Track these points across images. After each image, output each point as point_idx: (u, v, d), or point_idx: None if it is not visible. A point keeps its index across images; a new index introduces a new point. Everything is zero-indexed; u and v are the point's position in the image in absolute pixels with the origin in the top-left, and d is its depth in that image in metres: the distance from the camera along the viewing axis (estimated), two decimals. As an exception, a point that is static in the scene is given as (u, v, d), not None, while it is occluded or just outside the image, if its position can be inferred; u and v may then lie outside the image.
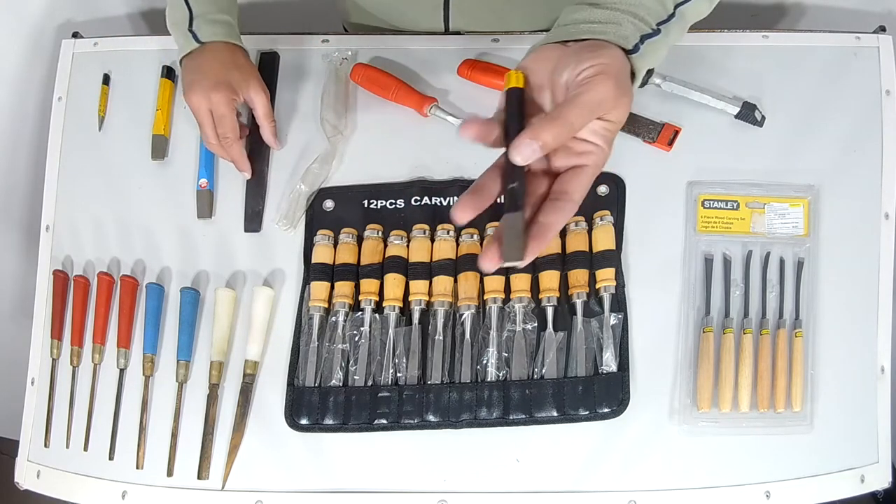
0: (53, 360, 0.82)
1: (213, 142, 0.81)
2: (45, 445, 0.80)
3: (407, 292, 0.78)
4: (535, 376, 0.74)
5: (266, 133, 0.84)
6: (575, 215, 0.76)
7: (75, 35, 0.94)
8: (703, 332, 0.75)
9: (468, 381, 0.74)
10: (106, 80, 0.90)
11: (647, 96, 0.83)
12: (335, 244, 0.81)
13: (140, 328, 0.81)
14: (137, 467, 0.78)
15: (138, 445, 0.78)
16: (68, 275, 0.84)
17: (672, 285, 0.77)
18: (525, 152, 0.50)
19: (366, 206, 0.82)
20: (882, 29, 0.85)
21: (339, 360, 0.76)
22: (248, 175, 0.84)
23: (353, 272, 0.79)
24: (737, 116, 0.81)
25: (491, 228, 0.78)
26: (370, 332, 0.77)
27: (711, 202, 0.79)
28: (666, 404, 0.74)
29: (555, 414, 0.73)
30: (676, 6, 0.62)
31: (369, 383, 0.75)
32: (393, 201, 0.82)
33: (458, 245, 0.79)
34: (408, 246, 0.79)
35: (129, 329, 0.81)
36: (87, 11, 1.02)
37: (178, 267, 0.83)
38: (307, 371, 0.76)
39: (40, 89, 0.99)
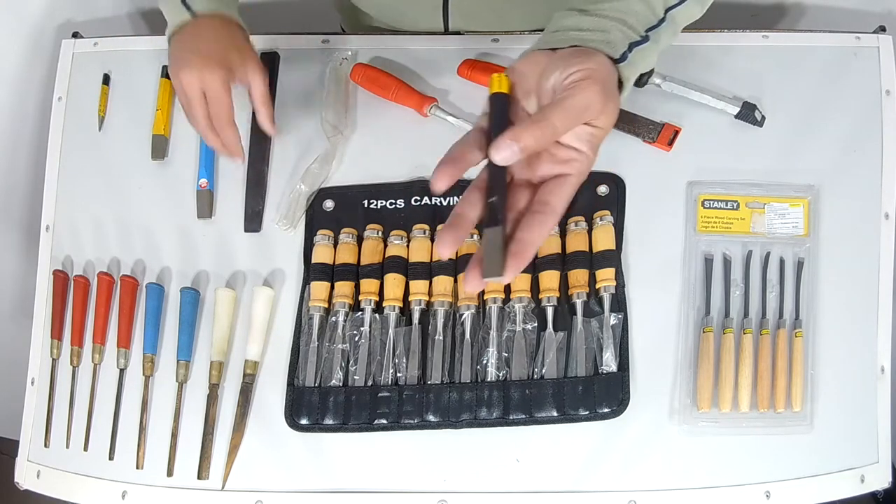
0: (53, 360, 0.82)
1: (204, 123, 0.73)
2: (45, 445, 0.80)
3: (407, 292, 0.78)
4: (535, 376, 0.74)
5: (262, 118, 0.77)
6: (575, 215, 0.78)
7: (75, 35, 0.94)
8: (703, 332, 0.75)
9: (468, 381, 0.74)
10: (106, 80, 0.90)
11: (647, 96, 0.83)
12: (335, 244, 0.81)
13: (140, 328, 0.81)
14: (137, 467, 0.78)
15: (138, 445, 0.78)
16: (68, 275, 0.84)
17: (672, 285, 0.77)
18: (504, 153, 0.49)
19: (366, 206, 0.82)
20: (882, 29, 0.85)
21: (339, 360, 0.76)
22: (240, 161, 0.77)
23: (353, 272, 0.79)
24: (737, 116, 0.81)
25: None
26: (370, 332, 0.77)
27: (711, 202, 0.79)
28: (666, 404, 0.74)
29: (555, 414, 0.73)
30: (667, 10, 0.61)
31: (369, 383, 0.75)
32: (393, 201, 0.82)
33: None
34: (408, 246, 0.79)
35: (129, 329, 0.81)
36: (87, 11, 1.02)
37: (178, 267, 0.83)
38: (307, 371, 0.76)
39: (40, 89, 0.99)
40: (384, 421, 0.74)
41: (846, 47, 0.84)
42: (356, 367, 0.76)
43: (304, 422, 0.75)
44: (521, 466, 0.74)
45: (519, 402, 0.73)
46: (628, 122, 0.82)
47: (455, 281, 0.77)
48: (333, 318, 0.78)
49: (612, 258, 0.76)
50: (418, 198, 0.82)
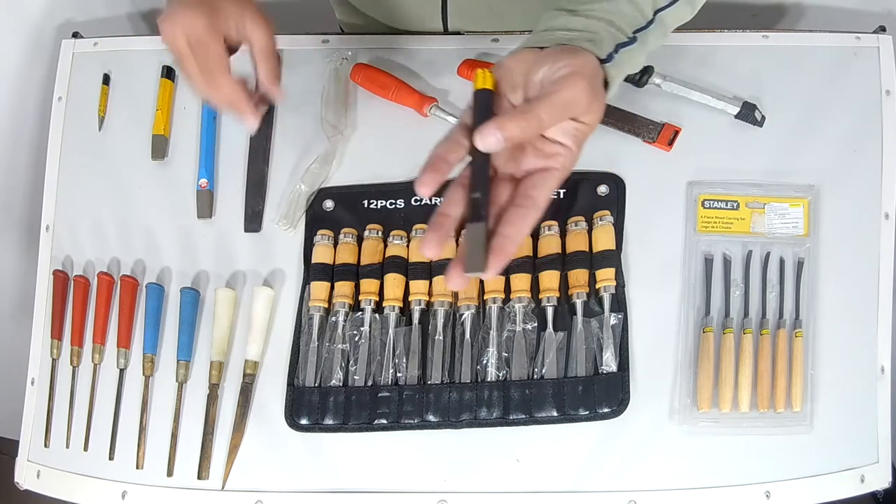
0: (53, 360, 0.82)
1: (200, 79, 0.64)
2: (45, 445, 0.80)
3: (407, 292, 0.78)
4: (535, 376, 0.74)
5: (262, 74, 0.66)
6: (575, 215, 0.78)
7: (75, 35, 0.94)
8: (703, 332, 0.75)
9: (468, 381, 0.74)
10: (106, 80, 0.90)
11: (647, 96, 0.83)
12: (335, 244, 0.81)
13: (140, 328, 0.81)
14: (137, 467, 0.78)
15: (138, 445, 0.78)
16: (68, 275, 0.84)
17: (672, 285, 0.77)
18: (489, 140, 0.50)
19: (366, 206, 0.82)
20: (882, 29, 0.85)
21: (339, 360, 0.76)
22: (253, 125, 0.67)
23: (353, 272, 0.79)
24: (737, 116, 0.81)
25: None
26: (370, 332, 0.77)
27: (711, 202, 0.79)
28: (666, 404, 0.74)
29: (555, 414, 0.73)
30: (656, 12, 0.62)
31: (369, 383, 0.75)
32: (393, 201, 0.82)
33: (457, 245, 0.78)
34: (408, 246, 0.79)
35: (129, 329, 0.81)
36: (87, 11, 1.02)
37: (178, 267, 0.83)
38: (307, 371, 0.76)
39: (40, 89, 0.99)
40: (384, 421, 0.74)
41: (846, 47, 0.84)
42: (356, 367, 0.76)
43: (304, 422, 0.75)
44: (521, 466, 0.74)
45: (519, 402, 0.73)
46: (628, 122, 0.82)
47: (455, 281, 0.77)
48: (333, 318, 0.78)
49: (612, 258, 0.76)
50: (418, 198, 0.82)
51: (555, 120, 0.52)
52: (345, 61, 0.88)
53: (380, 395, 0.75)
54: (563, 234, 0.78)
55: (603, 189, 0.80)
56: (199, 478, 0.76)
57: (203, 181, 0.85)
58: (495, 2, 0.87)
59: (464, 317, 0.76)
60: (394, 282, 0.77)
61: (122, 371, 0.80)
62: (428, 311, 0.77)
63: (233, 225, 0.84)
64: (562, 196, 0.80)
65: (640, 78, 0.81)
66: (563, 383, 0.73)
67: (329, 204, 0.83)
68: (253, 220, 0.84)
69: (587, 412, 0.72)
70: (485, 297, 0.76)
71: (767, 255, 0.77)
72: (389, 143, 0.85)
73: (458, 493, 0.73)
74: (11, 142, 1.04)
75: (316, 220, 0.83)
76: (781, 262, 0.77)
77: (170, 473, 0.77)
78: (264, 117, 0.85)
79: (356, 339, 0.77)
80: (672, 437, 0.74)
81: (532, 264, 0.76)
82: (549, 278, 0.76)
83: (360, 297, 0.78)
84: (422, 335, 0.76)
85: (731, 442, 0.73)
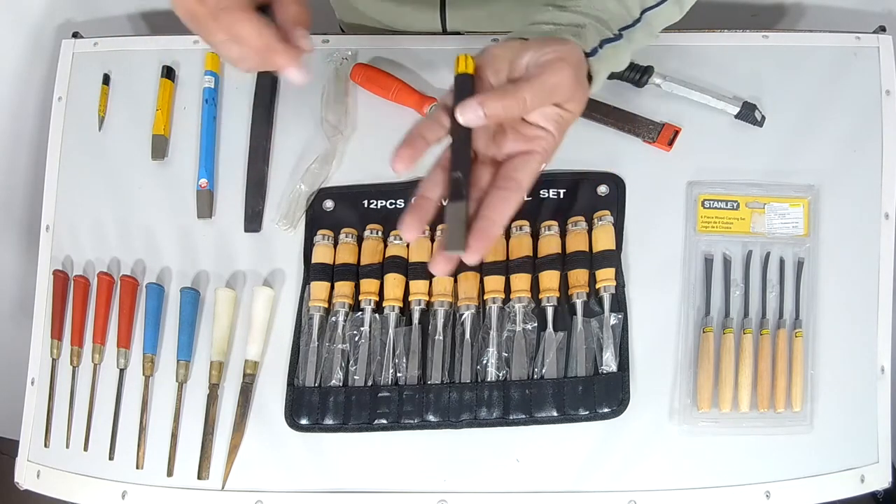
0: (53, 360, 0.82)
1: (217, 37, 0.54)
2: (45, 445, 0.80)
3: (407, 292, 0.78)
4: (535, 376, 0.74)
5: (286, 14, 0.56)
6: (575, 215, 0.78)
7: (75, 35, 0.93)
8: (703, 332, 0.75)
9: (468, 381, 0.74)
10: (106, 80, 0.90)
11: (647, 96, 0.83)
12: (335, 244, 0.81)
13: (140, 328, 0.81)
14: (137, 467, 0.78)
15: (138, 445, 0.78)
16: (68, 275, 0.84)
17: (672, 285, 0.77)
18: (470, 115, 0.50)
19: (366, 206, 0.82)
20: (882, 29, 0.85)
21: (339, 360, 0.76)
22: (298, 76, 0.57)
23: (353, 272, 0.79)
24: (737, 116, 0.81)
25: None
26: (370, 332, 0.77)
27: (711, 202, 0.79)
28: (666, 404, 0.74)
29: (555, 414, 0.73)
30: (643, 11, 0.62)
31: (369, 383, 0.75)
32: (393, 201, 0.82)
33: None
34: (408, 246, 0.79)
35: (129, 329, 0.81)
36: (87, 11, 1.02)
37: (178, 267, 0.83)
38: (307, 371, 0.76)
39: (40, 89, 0.99)
40: (384, 421, 0.74)
41: (846, 47, 0.84)
42: (356, 367, 0.76)
43: (304, 422, 0.75)
44: (521, 466, 0.74)
45: (519, 402, 0.73)
46: (628, 122, 0.82)
47: (455, 281, 0.77)
48: (333, 318, 0.78)
49: (612, 258, 0.76)
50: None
51: (538, 103, 0.52)
52: (345, 61, 0.88)
53: (380, 395, 0.75)
54: (563, 234, 0.78)
55: (603, 189, 0.80)
56: (199, 478, 0.76)
57: (203, 181, 0.85)
58: (494, 3, 0.87)
59: (464, 317, 0.76)
60: (394, 282, 0.77)
61: (122, 371, 0.80)
62: (428, 311, 0.77)
63: (233, 225, 0.84)
64: (562, 196, 0.80)
65: (640, 78, 0.81)
66: (563, 383, 0.73)
67: (329, 204, 0.83)
68: (253, 220, 0.84)
69: (587, 412, 0.72)
70: (485, 297, 0.76)
71: (767, 255, 0.77)
72: (389, 143, 0.84)
73: (458, 493, 0.73)
74: (11, 142, 1.04)
75: (316, 220, 0.83)
76: (781, 262, 0.77)
77: (170, 473, 0.77)
78: (265, 117, 0.86)
79: (356, 339, 0.77)
80: (672, 437, 0.74)
81: (532, 264, 0.76)
82: (549, 278, 0.76)
83: (360, 297, 0.78)
84: (422, 335, 0.76)
85: (731, 442, 0.73)
